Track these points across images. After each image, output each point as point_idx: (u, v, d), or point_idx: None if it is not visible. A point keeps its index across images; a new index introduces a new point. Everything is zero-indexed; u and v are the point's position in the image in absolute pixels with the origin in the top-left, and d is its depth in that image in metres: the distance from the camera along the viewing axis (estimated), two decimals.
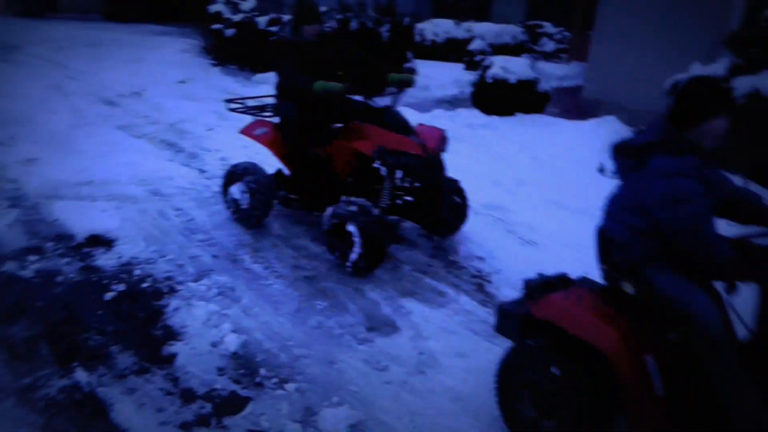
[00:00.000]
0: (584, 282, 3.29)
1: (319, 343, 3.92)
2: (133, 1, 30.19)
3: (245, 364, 3.66)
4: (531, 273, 3.49)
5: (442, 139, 5.11)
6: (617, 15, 10.76)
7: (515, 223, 6.01)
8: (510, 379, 3.11)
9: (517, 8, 25.93)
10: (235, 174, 5.65)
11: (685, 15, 9.57)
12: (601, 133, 7.75)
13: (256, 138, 5.61)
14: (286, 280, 4.73)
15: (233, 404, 3.34)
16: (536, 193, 6.67)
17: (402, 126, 5.07)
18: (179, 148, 8.17)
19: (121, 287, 4.47)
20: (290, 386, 3.48)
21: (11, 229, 5.36)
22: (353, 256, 4.74)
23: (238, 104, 5.98)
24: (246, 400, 3.37)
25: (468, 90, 10.49)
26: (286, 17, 14.45)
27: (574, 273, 3.43)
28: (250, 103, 6.01)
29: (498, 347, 3.91)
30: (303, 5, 5.24)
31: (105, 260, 4.89)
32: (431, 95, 12.81)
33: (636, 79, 10.08)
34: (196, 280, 4.62)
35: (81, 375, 3.46)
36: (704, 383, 2.63)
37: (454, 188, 5.48)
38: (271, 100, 5.80)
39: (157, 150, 8.02)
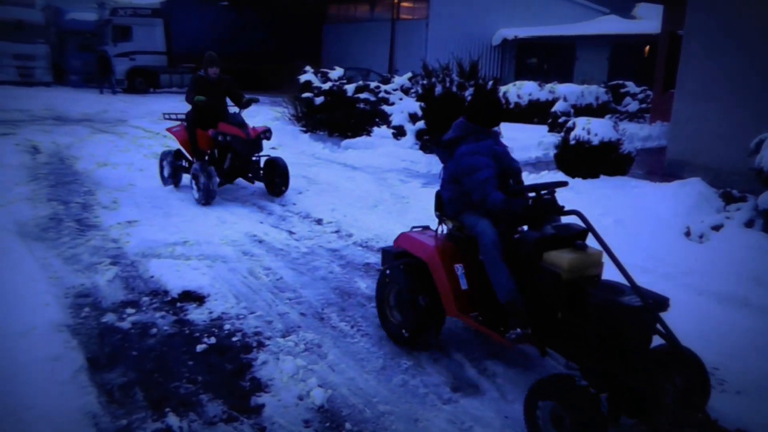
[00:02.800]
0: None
1: (403, 401, 3.89)
2: (226, 73, 31.78)
3: (331, 418, 3.67)
4: None
5: (264, 132, 9.02)
6: (699, 72, 10.52)
7: None
8: (383, 286, 4.73)
9: (600, 68, 25.87)
10: (162, 157, 9.78)
11: None
12: (686, 196, 7.48)
13: (172, 132, 9.47)
14: (372, 338, 4.75)
15: None
16: (621, 258, 6.40)
17: (240, 123, 8.70)
18: (269, 211, 8.45)
19: (212, 340, 4.60)
20: None
21: (111, 285, 5.63)
22: (200, 194, 8.53)
23: (169, 114, 9.67)
24: None
25: (552, 152, 10.43)
26: (373, 84, 14.89)
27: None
28: (180, 116, 9.37)
29: None
30: (210, 56, 8.90)
31: (197, 315, 5.05)
32: (515, 158, 12.76)
33: (720, 138, 9.77)
34: (284, 336, 4.70)
35: (173, 420, 3.55)
36: (486, 277, 4.06)
37: (277, 163, 9.20)
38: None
39: (248, 212, 8.31)
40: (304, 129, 15.32)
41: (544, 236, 3.87)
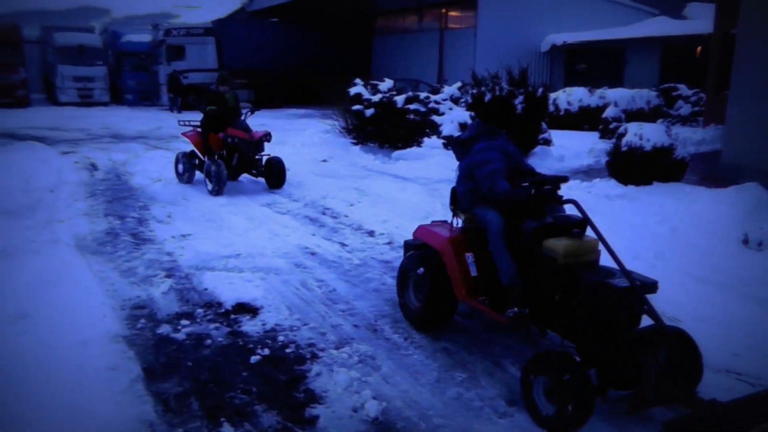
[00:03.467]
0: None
1: (458, 414, 3.83)
2: (275, 89, 32.52)
3: (385, 430, 3.62)
4: None
5: (265, 135, 10.55)
6: (754, 72, 10.13)
7: (656, 299, 5.57)
8: (403, 275, 5.17)
9: (651, 71, 25.31)
10: (177, 157, 11.34)
11: None
12: (742, 202, 7.20)
13: (187, 136, 11.21)
14: (426, 350, 4.69)
15: None
16: (677, 268, 6.24)
17: (245, 128, 10.49)
18: (321, 223, 8.47)
19: (266, 352, 4.60)
20: None
21: (166, 297, 5.70)
22: (212, 185, 10.21)
23: (185, 121, 11.45)
24: None
25: (603, 159, 10.21)
26: (423, 95, 14.86)
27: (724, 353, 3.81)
28: (194, 122, 11.23)
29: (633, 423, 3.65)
30: (222, 76, 10.91)
31: (250, 326, 5.06)
32: (567, 166, 12.54)
33: None
34: (337, 348, 4.68)
35: (228, 430, 3.56)
36: (492, 263, 4.46)
37: (276, 161, 10.80)
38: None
39: (300, 225, 8.34)
40: (354, 141, 15.35)
41: (542, 225, 4.28)
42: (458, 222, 5.04)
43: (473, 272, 4.66)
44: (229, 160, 10.49)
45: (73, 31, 34.59)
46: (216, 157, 10.42)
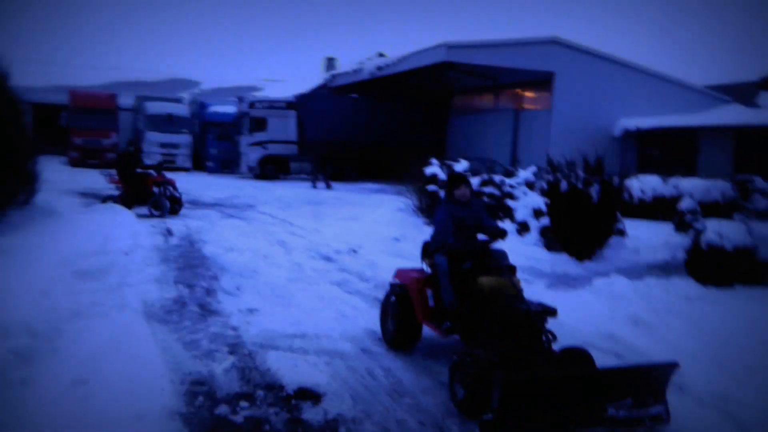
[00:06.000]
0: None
1: None
2: (352, 163, 32.97)
3: None
4: None
5: (171, 181, 16.42)
6: None
7: (748, 416, 5.06)
8: (383, 309, 6.70)
9: (725, 160, 24.37)
10: (106, 198, 16.44)
11: None
12: None
13: (114, 182, 16.23)
14: None
15: None
16: None
17: (163, 175, 16.22)
18: None
19: None
20: None
21: (227, 374, 5.56)
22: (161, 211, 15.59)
23: (108, 174, 16.45)
24: None
25: (680, 255, 9.69)
26: (498, 178, 14.69)
27: None
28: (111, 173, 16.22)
29: None
30: (130, 141, 19.72)
31: (312, 414, 4.84)
32: (642, 259, 11.86)
33: None
34: None
35: None
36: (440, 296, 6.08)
37: (177, 197, 16.36)
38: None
39: (369, 307, 8.09)
40: (427, 222, 15.21)
41: (477, 265, 5.91)
42: (426, 267, 6.57)
43: (431, 303, 6.19)
44: (150, 195, 15.72)
45: (163, 101, 36.42)
46: (158, 192, 15.58)
